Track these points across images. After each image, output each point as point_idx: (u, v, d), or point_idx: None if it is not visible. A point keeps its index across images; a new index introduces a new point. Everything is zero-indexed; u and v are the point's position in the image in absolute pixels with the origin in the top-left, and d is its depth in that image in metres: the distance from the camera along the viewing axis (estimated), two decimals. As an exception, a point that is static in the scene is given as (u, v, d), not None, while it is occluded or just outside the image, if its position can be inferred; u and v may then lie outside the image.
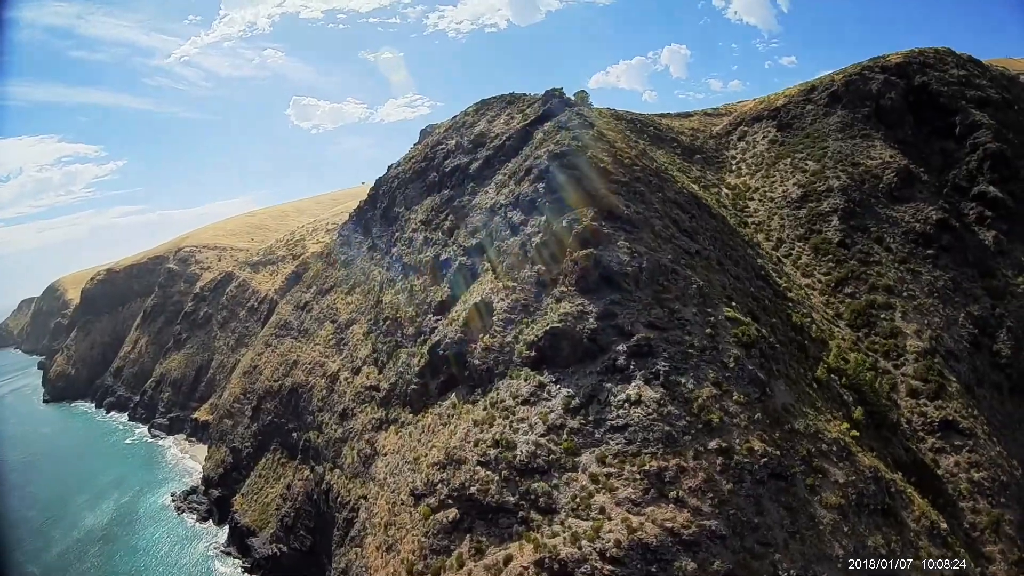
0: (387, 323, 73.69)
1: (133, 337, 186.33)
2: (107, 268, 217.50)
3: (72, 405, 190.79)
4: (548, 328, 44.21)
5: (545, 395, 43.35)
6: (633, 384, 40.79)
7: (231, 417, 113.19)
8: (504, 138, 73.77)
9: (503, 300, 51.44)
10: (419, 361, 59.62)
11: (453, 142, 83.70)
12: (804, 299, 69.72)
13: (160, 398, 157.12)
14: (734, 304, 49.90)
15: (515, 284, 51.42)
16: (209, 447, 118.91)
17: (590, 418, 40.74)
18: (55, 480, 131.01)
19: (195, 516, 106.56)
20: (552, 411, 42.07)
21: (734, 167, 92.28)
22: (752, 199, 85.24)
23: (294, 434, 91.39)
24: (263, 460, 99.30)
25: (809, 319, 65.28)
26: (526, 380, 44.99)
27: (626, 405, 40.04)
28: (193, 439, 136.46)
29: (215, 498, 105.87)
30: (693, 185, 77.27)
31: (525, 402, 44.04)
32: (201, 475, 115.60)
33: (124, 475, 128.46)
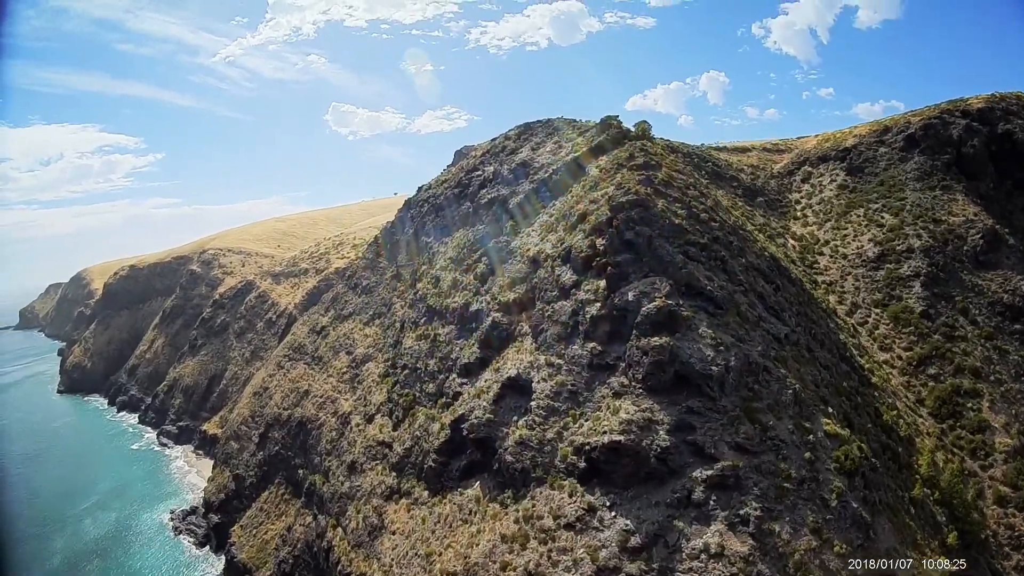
0: (405, 372, 64.18)
1: (150, 337, 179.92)
2: (131, 264, 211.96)
3: (85, 399, 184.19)
4: (607, 440, 34.09)
5: (596, 523, 33.29)
6: (713, 528, 30.58)
7: (238, 440, 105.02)
8: (551, 170, 63.86)
9: (545, 380, 41.59)
10: (440, 432, 49.96)
11: (491, 169, 73.99)
12: (886, 382, 58.73)
13: (171, 404, 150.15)
14: (831, 411, 39.40)
15: (561, 362, 41.58)
16: (214, 467, 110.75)
17: (654, 565, 30.65)
18: (59, 480, 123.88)
19: (192, 540, 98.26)
20: (605, 546, 32.00)
21: (799, 213, 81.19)
22: (822, 253, 74.13)
23: (300, 471, 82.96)
24: (266, 493, 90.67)
25: (895, 411, 54.38)
26: (571, 496, 35.01)
27: (703, 557, 29.83)
28: (200, 452, 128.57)
29: (214, 524, 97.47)
30: (771, 246, 66.52)
31: (569, 526, 34.05)
32: (203, 496, 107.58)
33: (127, 484, 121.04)
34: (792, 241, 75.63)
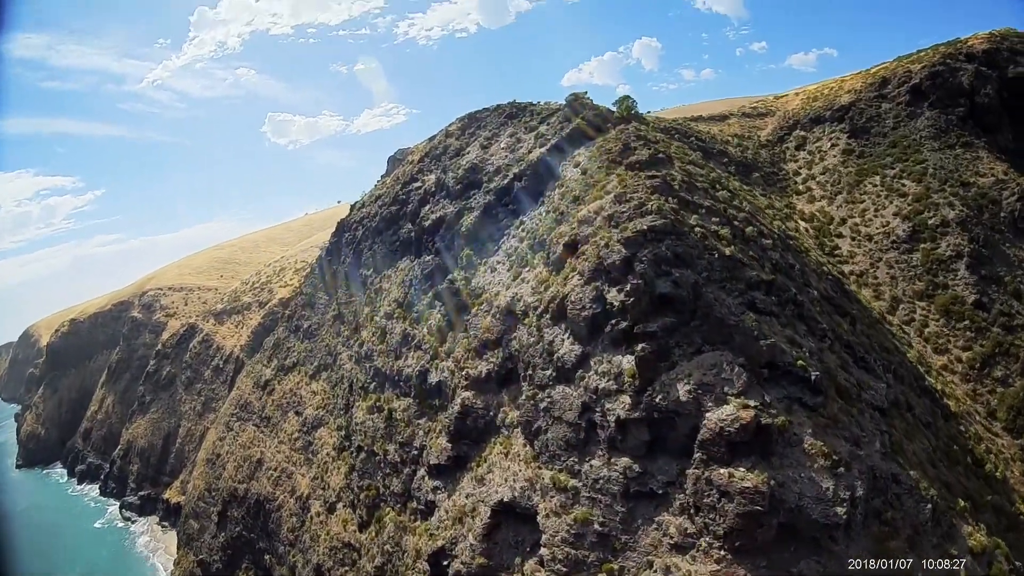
0: (362, 456, 47.24)
1: (99, 396, 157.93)
2: (72, 318, 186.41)
3: (45, 472, 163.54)
4: None
5: None
6: None
7: (197, 518, 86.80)
8: (511, 175, 47.19)
9: (558, 513, 25.71)
10: (416, 562, 33.92)
11: (432, 178, 56.55)
12: (955, 399, 45.06)
13: (130, 470, 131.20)
14: (964, 504, 25.00)
15: (577, 484, 25.77)
16: (178, 547, 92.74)
17: None
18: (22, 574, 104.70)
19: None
20: None
21: (801, 187, 66.59)
22: (841, 235, 59.82)
23: (267, 556, 66.62)
24: (229, 585, 73.56)
25: (981, 444, 40.65)
26: None
27: None
28: (165, 524, 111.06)
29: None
30: (805, 240, 51.31)
31: None
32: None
33: (93, 570, 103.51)
34: (802, 223, 61.07)
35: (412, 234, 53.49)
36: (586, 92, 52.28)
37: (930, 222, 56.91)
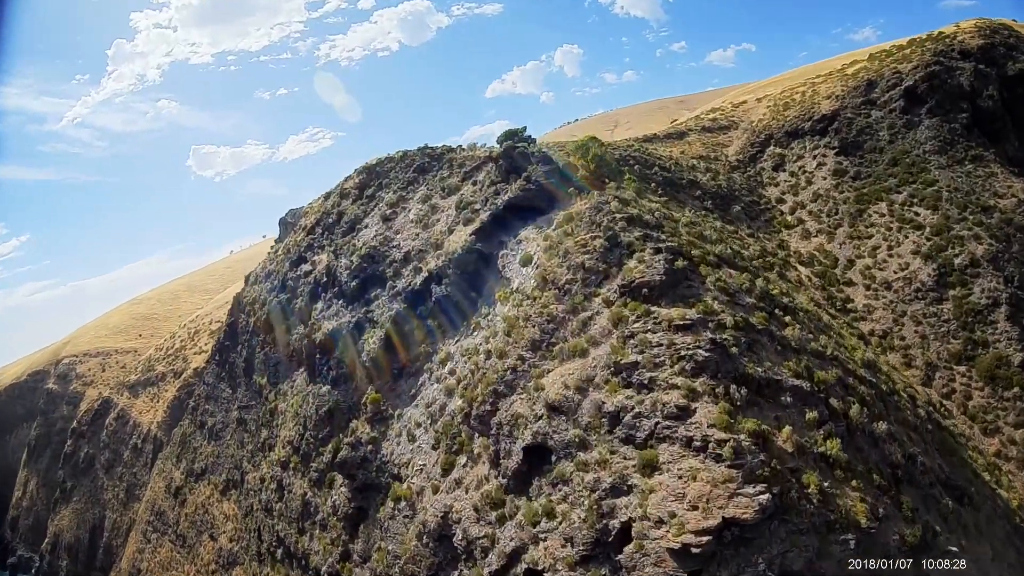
0: None
1: (23, 478, 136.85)
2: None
3: None
4: None
5: None
6: None
7: None
8: (424, 269, 32.41)
9: None
10: None
11: (324, 260, 41.05)
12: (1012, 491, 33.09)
13: (59, 565, 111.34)
14: None
15: None
16: None
17: None
18: None
19: None
20: None
21: (791, 219, 53.77)
22: (851, 283, 47.18)
23: None
24: None
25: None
26: None
27: None
28: None
29: None
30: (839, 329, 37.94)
31: None
32: None
33: None
34: (802, 268, 48.24)
35: (304, 345, 37.97)
36: (525, 128, 37.69)
37: (957, 261, 44.85)
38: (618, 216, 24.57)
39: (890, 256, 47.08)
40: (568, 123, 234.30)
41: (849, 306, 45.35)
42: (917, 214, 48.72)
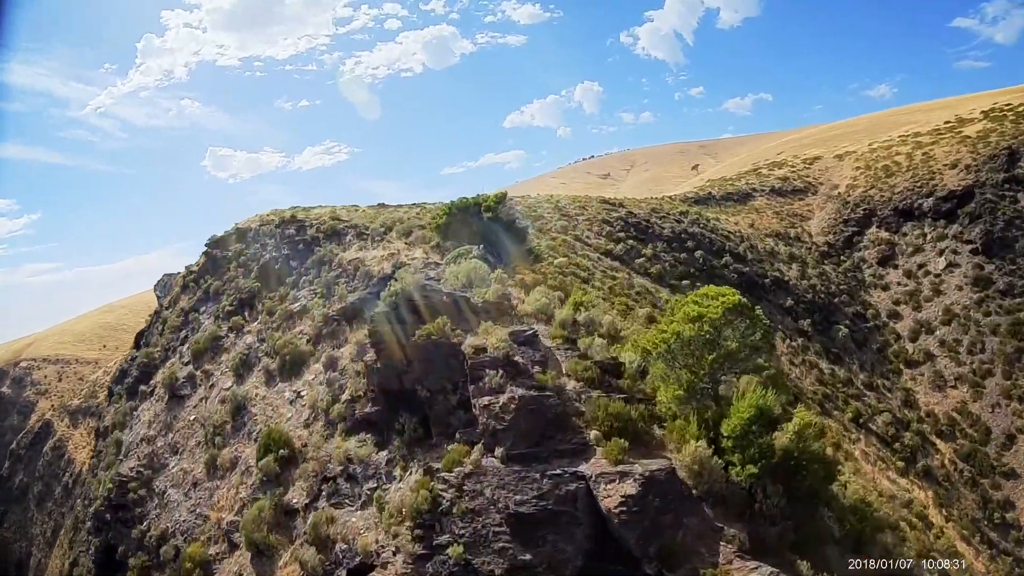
0: None
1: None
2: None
3: None
4: None
5: None
6: None
7: None
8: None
9: None
10: None
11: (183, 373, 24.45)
12: None
13: None
14: None
15: None
16: None
17: None
18: None
19: None
20: None
21: (917, 354, 35.90)
22: (1012, 473, 29.59)
23: None
24: None
25: None
26: None
27: None
28: None
29: None
30: None
31: None
32: None
33: None
34: (940, 444, 30.26)
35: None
36: (505, 193, 21.25)
37: None
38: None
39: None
40: (584, 159, 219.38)
41: (1009, 517, 27.32)
42: None
